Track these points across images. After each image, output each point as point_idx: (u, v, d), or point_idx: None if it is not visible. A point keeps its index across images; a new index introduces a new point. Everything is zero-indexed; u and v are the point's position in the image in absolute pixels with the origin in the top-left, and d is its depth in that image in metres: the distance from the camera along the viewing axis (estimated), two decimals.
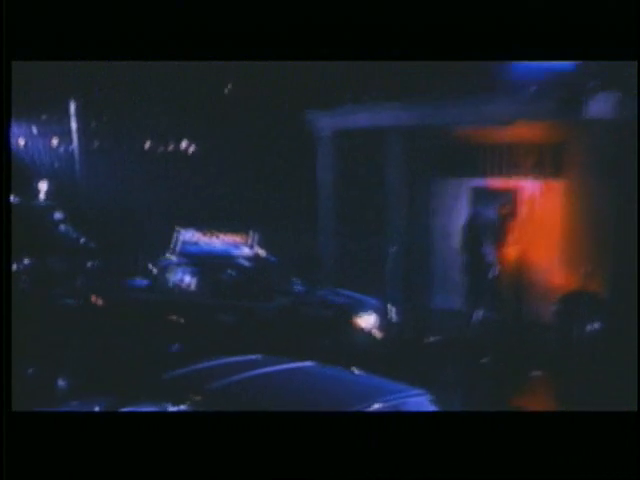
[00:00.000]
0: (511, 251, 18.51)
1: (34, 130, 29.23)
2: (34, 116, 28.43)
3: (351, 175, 20.73)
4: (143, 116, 27.53)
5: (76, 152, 27.84)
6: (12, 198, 23.98)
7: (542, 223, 18.19)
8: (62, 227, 24.51)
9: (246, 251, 16.68)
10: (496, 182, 18.93)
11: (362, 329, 15.54)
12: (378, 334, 15.63)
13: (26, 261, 21.10)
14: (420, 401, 8.91)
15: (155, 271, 16.94)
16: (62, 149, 29.28)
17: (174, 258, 16.95)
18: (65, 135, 28.33)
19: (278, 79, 22.84)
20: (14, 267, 20.27)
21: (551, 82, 17.03)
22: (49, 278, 20.57)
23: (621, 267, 16.82)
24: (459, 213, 19.22)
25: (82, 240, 23.80)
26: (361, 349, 14.89)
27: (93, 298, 17.02)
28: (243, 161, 25.81)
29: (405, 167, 20.06)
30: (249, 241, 16.74)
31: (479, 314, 17.55)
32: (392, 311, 16.33)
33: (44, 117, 29.00)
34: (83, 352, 15.74)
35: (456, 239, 18.94)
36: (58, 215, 24.87)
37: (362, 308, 15.86)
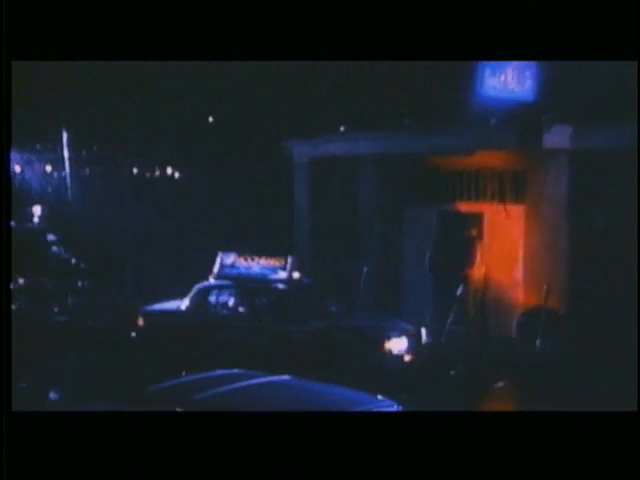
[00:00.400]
0: (477, 271, 18.58)
1: (29, 158, 29.25)
2: (29, 145, 28.45)
3: (327, 200, 20.87)
4: (130, 145, 27.61)
5: (68, 178, 27.91)
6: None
7: (505, 245, 18.30)
8: (55, 248, 24.53)
9: (282, 275, 16.34)
10: (462, 207, 19.02)
11: (392, 353, 15.01)
12: (409, 358, 15.15)
13: (21, 280, 21.05)
14: (390, 410, 9.01)
15: (194, 292, 16.50)
16: (55, 176, 29.37)
17: (214, 280, 16.71)
18: (58, 163, 28.43)
19: (260, 108, 22.95)
20: (10, 286, 20.26)
21: (511, 114, 17.24)
22: (43, 297, 20.53)
23: (577, 285, 17.02)
24: (428, 235, 19.31)
25: (73, 261, 23.77)
26: (391, 372, 14.51)
27: (137, 320, 16.81)
28: (224, 185, 25.89)
29: (378, 192, 20.19)
30: (285, 265, 16.37)
31: (447, 329, 17.58)
32: (425, 335, 15.88)
33: (38, 146, 29.05)
34: (76, 365, 15.72)
35: (426, 259, 19.05)
36: (51, 237, 24.92)
37: (394, 332, 15.33)
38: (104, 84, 24.16)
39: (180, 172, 29.43)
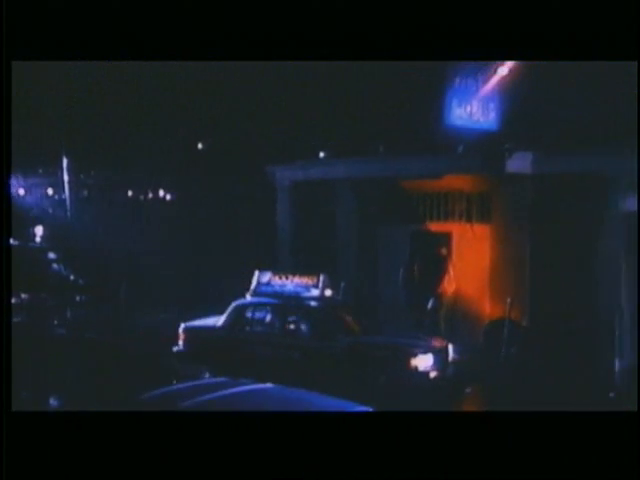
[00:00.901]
0: (447, 285, 18.75)
1: (32, 182, 29.25)
2: (32, 170, 28.49)
3: (307, 220, 21.00)
4: (125, 169, 27.66)
5: (67, 201, 27.88)
6: (12, 240, 24.07)
7: (472, 261, 18.46)
8: (55, 266, 24.51)
9: (315, 292, 15.86)
10: (432, 226, 19.18)
11: (418, 369, 14.39)
12: (434, 374, 14.53)
13: (24, 295, 21.03)
14: None
15: (231, 309, 16.13)
16: (56, 198, 29.37)
17: (250, 297, 16.43)
18: (58, 186, 28.40)
19: (245, 136, 23.08)
20: (12, 300, 20.32)
21: (476, 142, 17.45)
22: (44, 310, 20.53)
23: (538, 298, 17.20)
24: (401, 253, 19.43)
25: (72, 277, 23.76)
26: (415, 388, 14.02)
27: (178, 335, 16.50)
28: (212, 207, 25.95)
29: (354, 213, 20.30)
30: (318, 283, 15.86)
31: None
32: (452, 352, 15.26)
33: (41, 171, 29.07)
34: (74, 374, 15.72)
35: (400, 275, 19.13)
36: (51, 255, 24.90)
37: (420, 349, 14.71)
38: (100, 104, 24.17)
39: (171, 195, 29.46)
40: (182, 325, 16.57)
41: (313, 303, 15.92)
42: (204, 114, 23.34)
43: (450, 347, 15.26)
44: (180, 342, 16.42)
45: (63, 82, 21.75)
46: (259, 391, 9.89)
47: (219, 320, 16.33)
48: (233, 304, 16.30)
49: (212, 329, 16.29)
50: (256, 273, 16.57)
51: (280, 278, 16.28)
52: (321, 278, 15.98)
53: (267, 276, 16.42)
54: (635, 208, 15.86)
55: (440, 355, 14.89)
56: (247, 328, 16.02)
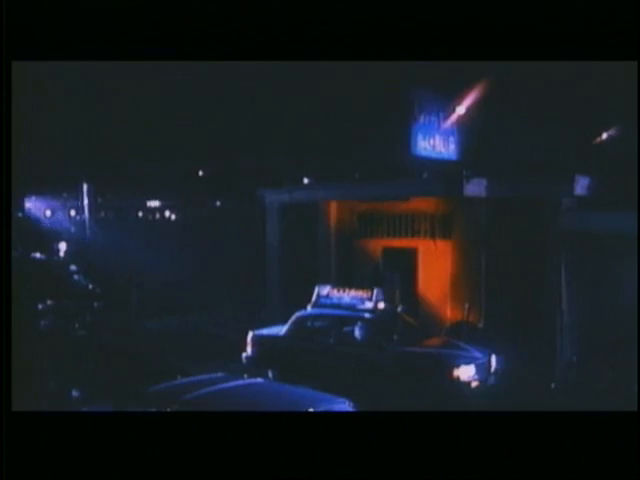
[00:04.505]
0: (413, 293, 18.62)
1: (57, 204, 29.27)
2: (57, 194, 28.54)
3: (293, 236, 20.92)
4: (135, 194, 27.68)
5: (87, 221, 27.85)
6: (39, 255, 23.89)
7: (435, 272, 18.41)
8: (76, 277, 24.40)
9: (369, 305, 15.19)
10: (401, 242, 19.10)
11: (460, 379, 13.56)
12: (475, 384, 13.66)
13: (49, 302, 20.89)
14: (343, 407, 9.01)
15: (293, 319, 15.48)
16: (77, 218, 29.35)
17: (311, 309, 15.75)
18: (79, 208, 28.37)
19: (240, 163, 23.05)
20: (40, 306, 20.15)
21: (438, 170, 17.49)
22: (66, 315, 20.40)
23: (491, 304, 17.14)
24: (373, 264, 19.31)
25: (90, 286, 23.62)
26: (456, 397, 13.16)
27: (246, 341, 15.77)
28: (210, 226, 25.97)
29: (333, 230, 20.25)
30: (372, 296, 15.22)
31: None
32: (494, 363, 14.27)
33: (64, 195, 29.05)
34: (92, 369, 15.56)
35: (372, 284, 19.04)
36: (73, 267, 24.84)
37: (464, 360, 13.87)
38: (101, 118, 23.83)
39: (175, 215, 29.56)
40: (250, 333, 15.83)
41: (367, 315, 15.19)
42: (205, 145, 23.29)
43: (493, 357, 14.39)
44: (248, 349, 15.72)
45: (63, 82, 20.81)
46: (250, 385, 9.82)
47: (282, 329, 15.69)
48: (295, 315, 15.66)
49: (276, 337, 15.62)
50: (316, 287, 15.96)
51: (338, 291, 15.67)
52: (375, 292, 15.37)
53: (326, 289, 15.84)
54: (572, 227, 15.95)
55: (482, 366, 14.05)
56: (307, 337, 15.31)
